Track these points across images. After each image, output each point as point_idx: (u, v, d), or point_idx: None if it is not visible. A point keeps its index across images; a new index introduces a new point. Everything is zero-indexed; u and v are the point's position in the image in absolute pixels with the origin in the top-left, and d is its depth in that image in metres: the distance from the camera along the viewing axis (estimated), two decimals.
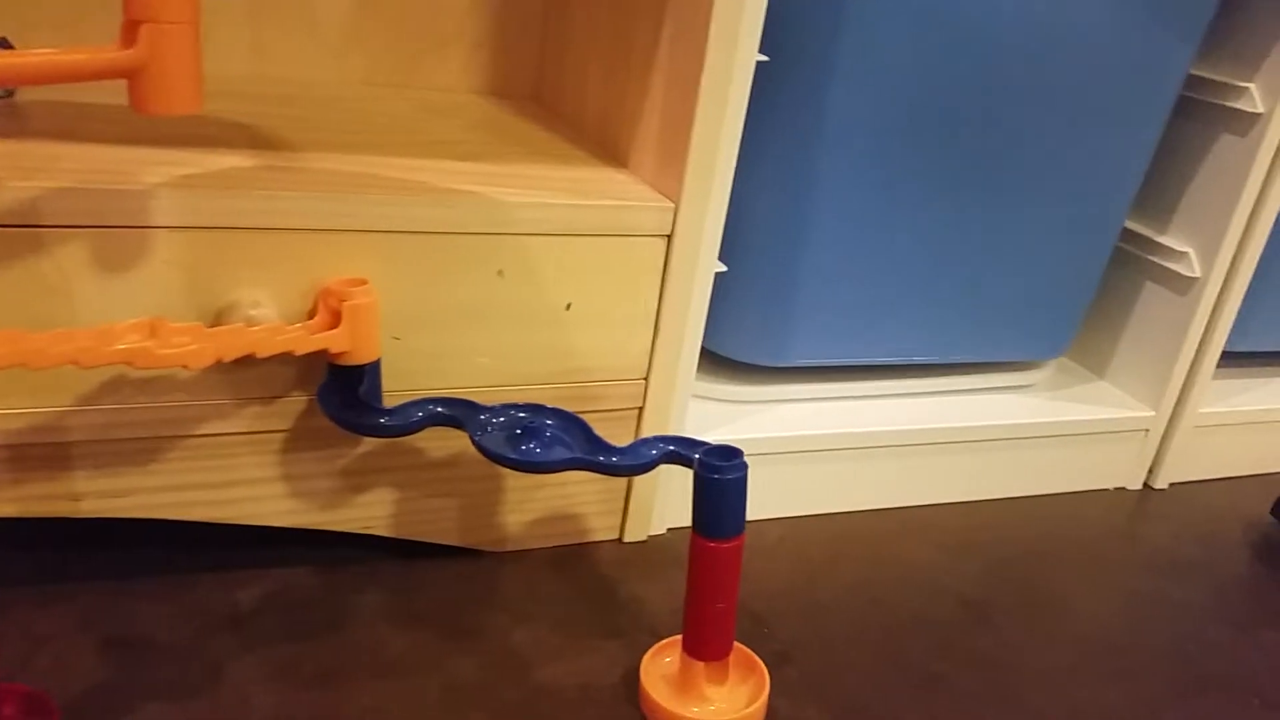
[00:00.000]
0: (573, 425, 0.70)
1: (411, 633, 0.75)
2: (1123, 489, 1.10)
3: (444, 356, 0.74)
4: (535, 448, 0.68)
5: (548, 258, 0.74)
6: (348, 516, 0.78)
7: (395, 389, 0.73)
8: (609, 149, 0.87)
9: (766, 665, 0.74)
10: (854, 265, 0.91)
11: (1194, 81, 1.00)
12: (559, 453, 0.68)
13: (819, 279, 0.91)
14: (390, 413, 0.69)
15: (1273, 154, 0.97)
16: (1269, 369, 1.21)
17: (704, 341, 0.89)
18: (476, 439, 0.67)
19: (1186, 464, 1.11)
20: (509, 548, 0.84)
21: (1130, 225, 1.07)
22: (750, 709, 0.69)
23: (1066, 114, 0.91)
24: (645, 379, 0.82)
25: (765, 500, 0.94)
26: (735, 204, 0.79)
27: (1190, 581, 0.95)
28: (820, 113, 0.84)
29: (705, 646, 0.68)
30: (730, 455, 0.65)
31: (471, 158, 0.80)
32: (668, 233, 0.77)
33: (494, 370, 0.76)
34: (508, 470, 0.79)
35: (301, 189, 0.67)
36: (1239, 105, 0.97)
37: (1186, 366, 1.05)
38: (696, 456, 0.66)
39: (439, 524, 0.81)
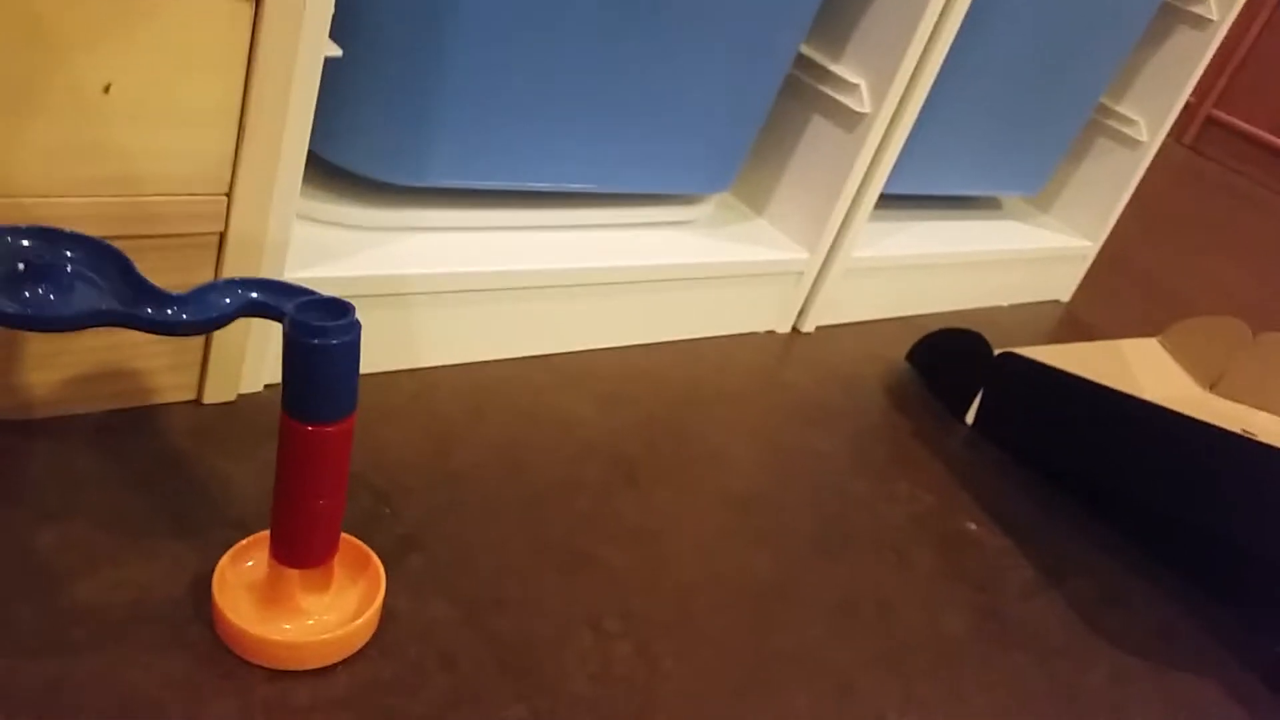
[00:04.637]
0: (105, 260, 0.49)
1: None
2: (772, 332, 1.06)
3: None
4: (48, 294, 0.47)
5: (71, 14, 0.51)
6: None
7: None
8: None
9: (388, 556, 0.60)
10: (505, 70, 0.75)
11: None
12: (84, 300, 0.48)
13: (464, 83, 0.73)
14: None
15: None
16: (914, 212, 1.22)
17: (318, 150, 0.70)
18: None
19: (834, 308, 1.09)
20: (35, 415, 0.63)
21: (805, 51, 0.99)
22: (358, 623, 0.55)
23: None
24: (227, 194, 0.62)
25: (393, 349, 0.78)
26: None
27: (833, 431, 0.93)
28: None
29: (299, 551, 0.53)
30: (337, 311, 0.49)
31: None
32: None
33: None
34: None
35: None
36: None
37: (845, 208, 1.00)
38: (288, 311, 0.49)
39: None
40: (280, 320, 0.50)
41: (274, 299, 0.51)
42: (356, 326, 0.49)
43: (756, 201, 1.07)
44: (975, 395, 1.01)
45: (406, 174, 0.77)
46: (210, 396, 0.69)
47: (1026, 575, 0.82)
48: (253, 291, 0.51)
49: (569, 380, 0.86)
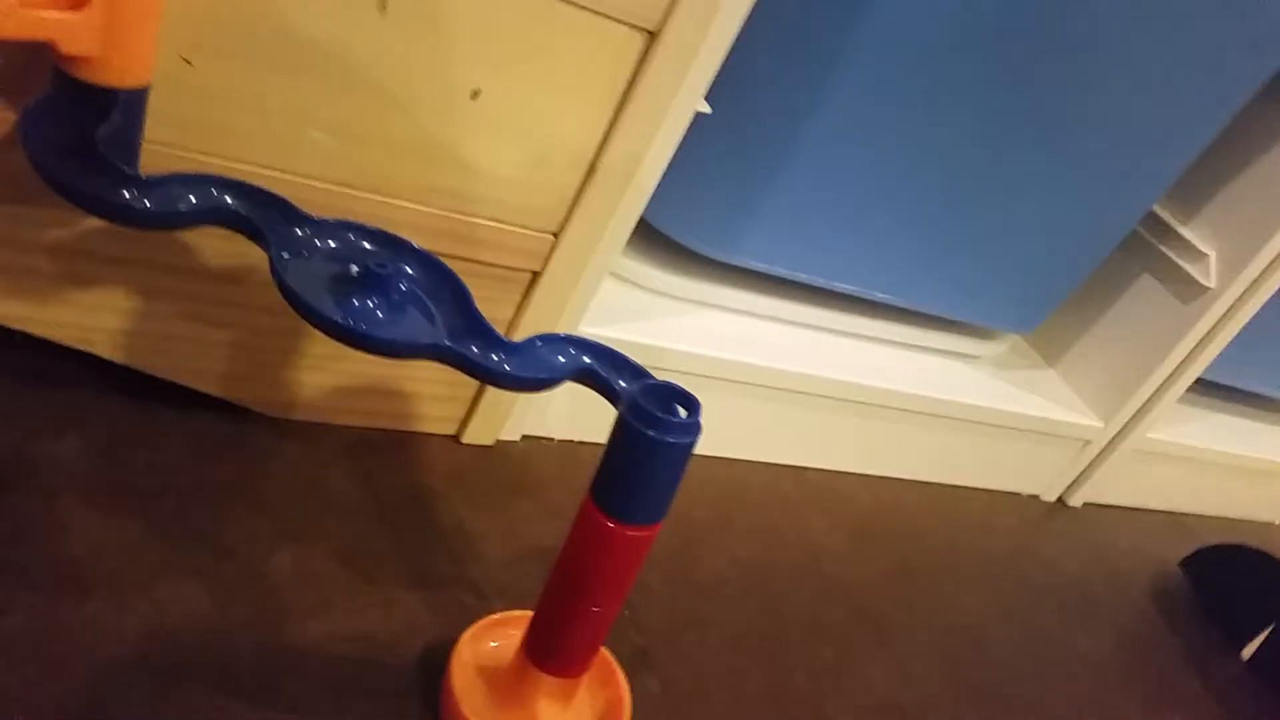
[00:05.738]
0: (444, 287, 0.44)
1: (113, 521, 0.49)
2: (1036, 498, 0.94)
3: (258, 114, 0.46)
4: (376, 308, 0.42)
5: (465, 11, 0.47)
6: (55, 319, 0.50)
7: (164, 144, 0.45)
8: None
9: (625, 666, 0.53)
10: (848, 168, 0.68)
11: None
12: (412, 327, 0.42)
13: (802, 171, 0.66)
14: (146, 186, 0.41)
15: None
16: (1211, 401, 1.08)
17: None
18: (280, 267, 0.40)
19: (1109, 487, 0.97)
20: (296, 416, 0.58)
21: (1155, 208, 0.88)
22: None
23: (1141, 69, 0.70)
24: (556, 234, 0.56)
25: None
26: (742, 41, 0.53)
27: (1097, 631, 0.80)
28: None
29: (558, 656, 0.46)
30: (678, 403, 0.42)
31: None
32: (654, 28, 0.50)
33: (334, 158, 0.48)
34: None
35: None
36: None
37: (1156, 384, 0.88)
38: (625, 390, 0.42)
39: (196, 361, 0.54)
40: (608, 396, 0.44)
41: (609, 372, 0.44)
42: (698, 428, 0.41)
43: (1051, 351, 0.96)
44: (1262, 630, 0.86)
45: (720, 248, 0.70)
46: (470, 437, 0.63)
47: None
48: (587, 356, 0.45)
49: (819, 501, 0.78)
